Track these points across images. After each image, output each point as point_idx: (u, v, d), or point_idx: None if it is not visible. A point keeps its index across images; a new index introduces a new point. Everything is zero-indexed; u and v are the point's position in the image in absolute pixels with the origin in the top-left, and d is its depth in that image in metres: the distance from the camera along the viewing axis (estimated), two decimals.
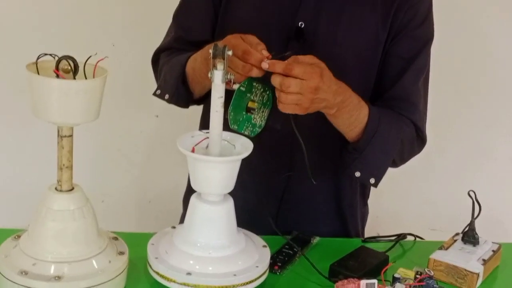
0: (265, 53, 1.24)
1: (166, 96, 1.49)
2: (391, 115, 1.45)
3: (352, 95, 1.36)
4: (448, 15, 2.23)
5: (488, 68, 2.41)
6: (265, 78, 1.25)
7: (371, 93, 1.50)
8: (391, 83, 1.48)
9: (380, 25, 1.45)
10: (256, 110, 1.29)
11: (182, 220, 1.65)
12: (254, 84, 1.26)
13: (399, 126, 1.46)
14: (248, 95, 1.27)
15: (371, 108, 1.40)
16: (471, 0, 2.36)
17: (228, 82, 1.18)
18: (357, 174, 1.43)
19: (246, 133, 1.28)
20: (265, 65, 1.22)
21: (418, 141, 1.53)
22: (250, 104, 1.28)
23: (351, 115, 1.37)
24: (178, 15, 1.59)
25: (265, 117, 1.30)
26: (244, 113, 1.28)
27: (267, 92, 1.29)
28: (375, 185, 1.44)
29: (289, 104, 1.24)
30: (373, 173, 1.43)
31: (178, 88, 1.47)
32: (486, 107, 2.45)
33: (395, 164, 1.53)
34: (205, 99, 1.52)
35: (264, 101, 1.30)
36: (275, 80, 1.23)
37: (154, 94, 1.54)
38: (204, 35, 1.51)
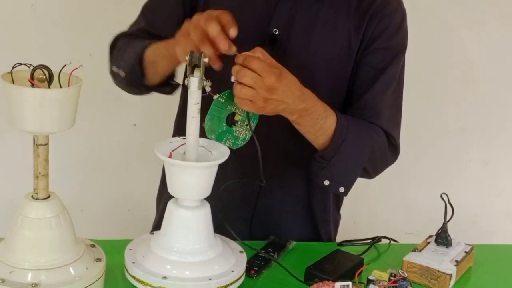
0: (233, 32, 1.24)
1: (122, 74, 1.48)
2: (360, 124, 1.45)
3: (317, 103, 1.35)
4: (421, 20, 2.27)
5: (461, 72, 2.45)
6: None
7: (343, 102, 1.50)
8: (361, 93, 1.48)
9: (353, 34, 1.46)
10: (240, 123, 1.29)
11: (155, 224, 1.67)
12: None
13: (369, 134, 1.45)
14: (229, 107, 1.27)
15: (339, 117, 1.39)
16: (443, 6, 2.39)
17: (212, 91, 1.19)
18: (326, 183, 1.42)
19: (226, 145, 1.27)
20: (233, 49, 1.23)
21: (391, 150, 1.52)
22: (236, 117, 1.29)
23: (315, 123, 1.35)
24: (147, 9, 1.58)
25: (251, 131, 1.30)
26: (224, 124, 1.28)
27: None
28: (345, 193, 1.44)
29: (243, 99, 1.23)
30: (342, 182, 1.43)
31: (135, 68, 1.45)
32: (460, 111, 2.49)
33: (369, 175, 1.53)
34: (154, 89, 1.51)
35: (250, 115, 1.30)
36: (234, 69, 1.22)
37: (111, 71, 1.53)
38: (168, 33, 1.49)
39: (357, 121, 1.44)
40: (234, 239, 1.33)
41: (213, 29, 1.21)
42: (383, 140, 1.49)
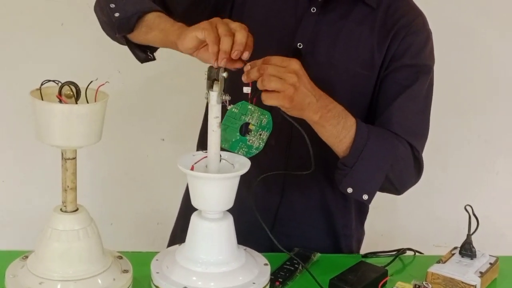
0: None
1: (116, 14, 1.44)
2: (381, 131, 1.45)
3: (334, 101, 1.35)
4: (446, 31, 2.27)
5: (488, 83, 2.44)
6: (261, 105, 1.28)
7: (364, 120, 1.48)
8: (384, 108, 1.48)
9: (376, 51, 1.47)
10: (253, 132, 1.32)
11: (173, 236, 1.70)
12: (249, 107, 1.29)
13: (392, 142, 1.45)
14: (243, 117, 1.30)
15: (358, 120, 1.40)
16: (469, 18, 2.39)
17: (224, 102, 1.22)
18: (349, 190, 1.42)
19: (240, 153, 1.30)
20: (247, 67, 1.24)
21: (415, 163, 1.50)
22: (250, 126, 1.31)
23: (337, 122, 1.35)
24: None
25: (264, 140, 1.32)
26: (237, 134, 1.30)
27: (266, 116, 1.31)
28: (368, 201, 1.44)
29: (271, 93, 1.23)
30: (365, 189, 1.42)
31: (131, 19, 1.42)
32: (486, 122, 2.47)
33: (396, 189, 1.51)
34: (129, 46, 1.50)
35: (263, 124, 1.31)
36: (253, 73, 1.23)
37: (107, 6, 1.47)
38: (176, 9, 1.50)
39: (377, 128, 1.44)
40: (260, 247, 1.34)
41: (242, 36, 1.23)
42: (407, 151, 1.48)
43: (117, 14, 1.44)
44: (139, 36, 1.44)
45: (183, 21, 1.37)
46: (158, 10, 1.44)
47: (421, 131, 1.52)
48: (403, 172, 1.49)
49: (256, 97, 1.27)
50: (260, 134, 1.32)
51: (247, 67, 1.25)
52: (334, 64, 1.48)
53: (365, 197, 1.43)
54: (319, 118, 1.33)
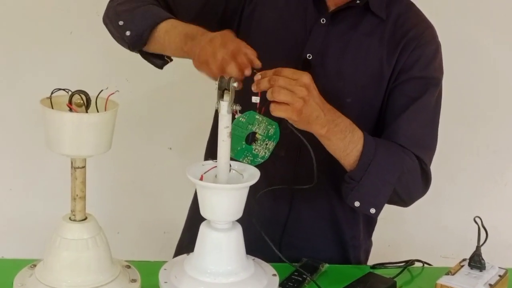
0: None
1: (127, 32, 1.45)
2: (388, 144, 1.44)
3: (342, 115, 1.35)
4: (454, 42, 2.27)
5: (497, 94, 2.44)
6: (269, 115, 1.29)
7: (372, 132, 1.49)
8: (392, 120, 1.48)
9: (386, 62, 1.47)
10: (259, 141, 1.32)
11: (179, 246, 1.70)
12: (257, 117, 1.29)
13: (399, 155, 1.44)
14: (250, 126, 1.30)
15: (365, 134, 1.40)
16: (479, 27, 2.39)
17: (234, 111, 1.22)
18: (357, 204, 1.41)
19: (245, 162, 1.31)
20: (257, 76, 1.25)
21: (422, 175, 1.50)
22: (256, 135, 1.32)
23: (344, 136, 1.35)
24: None
25: (270, 149, 1.32)
26: (243, 143, 1.31)
27: (273, 126, 1.31)
28: (376, 214, 1.43)
29: (280, 104, 1.23)
30: (373, 203, 1.42)
31: (144, 34, 1.43)
32: (495, 133, 2.47)
33: (403, 201, 1.50)
34: (145, 56, 1.52)
35: (270, 134, 1.32)
36: (264, 83, 1.23)
37: (111, 22, 1.51)
38: (186, 18, 1.48)
39: (384, 142, 1.44)
40: (268, 258, 1.34)
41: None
42: (415, 163, 1.47)
43: (128, 33, 1.45)
44: (153, 48, 1.46)
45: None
46: (167, 18, 1.44)
47: (429, 143, 1.52)
48: (410, 184, 1.48)
49: (264, 107, 1.28)
50: (267, 144, 1.32)
51: (257, 77, 1.25)
52: (343, 75, 1.48)
53: (373, 210, 1.42)
54: (326, 132, 1.32)
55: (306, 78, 1.25)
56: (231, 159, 1.26)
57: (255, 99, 1.26)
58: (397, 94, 1.49)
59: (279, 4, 1.52)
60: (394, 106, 1.49)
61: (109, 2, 1.56)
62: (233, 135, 1.27)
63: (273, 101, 1.24)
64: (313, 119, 1.29)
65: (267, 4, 1.52)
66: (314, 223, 1.57)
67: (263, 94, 1.25)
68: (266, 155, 1.33)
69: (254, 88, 1.25)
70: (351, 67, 1.48)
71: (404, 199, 1.49)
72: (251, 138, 1.30)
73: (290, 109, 1.24)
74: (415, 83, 1.48)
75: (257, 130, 1.30)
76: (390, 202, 1.47)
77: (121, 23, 1.46)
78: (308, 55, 1.48)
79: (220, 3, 1.53)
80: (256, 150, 1.31)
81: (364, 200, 1.41)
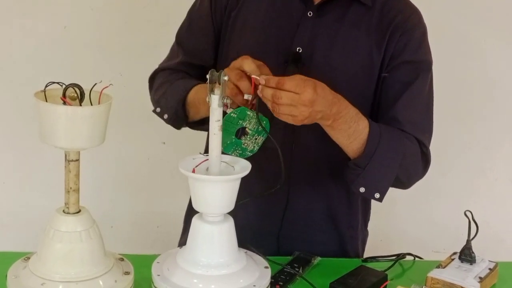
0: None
1: (165, 116, 1.55)
2: (392, 130, 1.47)
3: (349, 106, 1.37)
4: (446, 38, 2.28)
5: (488, 90, 2.45)
6: (261, 109, 1.30)
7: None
8: (388, 107, 1.50)
9: (375, 50, 1.49)
10: (249, 136, 1.33)
11: (181, 241, 1.69)
12: (248, 113, 1.30)
13: (401, 140, 1.47)
14: (241, 121, 1.30)
15: (371, 122, 1.42)
16: (470, 24, 2.40)
17: (225, 105, 1.23)
18: (362, 189, 1.44)
19: (233, 155, 1.32)
20: (262, 81, 1.26)
21: (422, 158, 1.53)
22: (246, 130, 1.33)
23: (349, 126, 1.38)
24: (183, 39, 1.64)
25: (259, 144, 1.33)
26: (233, 137, 1.31)
27: (263, 122, 1.32)
28: (380, 199, 1.46)
29: (284, 115, 1.27)
30: (377, 188, 1.44)
31: (178, 111, 1.52)
32: (486, 129, 2.48)
33: (403, 184, 1.53)
34: (197, 126, 1.57)
35: (260, 130, 1.33)
36: (267, 93, 1.26)
37: (154, 111, 1.58)
38: (209, 60, 1.56)
39: (388, 128, 1.46)
40: (266, 252, 1.35)
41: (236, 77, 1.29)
42: (416, 147, 1.50)
43: (166, 116, 1.55)
44: (195, 115, 1.53)
45: None
46: (192, 85, 1.51)
47: (427, 126, 1.55)
48: (411, 168, 1.51)
49: (255, 103, 1.29)
50: (256, 138, 1.33)
51: (262, 81, 1.26)
52: (333, 66, 1.49)
53: (377, 195, 1.45)
54: (331, 123, 1.36)
55: (309, 93, 1.26)
56: (222, 152, 1.27)
57: (247, 96, 1.28)
58: (390, 81, 1.51)
59: (263, 3, 1.54)
60: (389, 94, 1.51)
61: (149, 91, 1.66)
62: (224, 130, 1.28)
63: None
64: (317, 119, 1.32)
65: (252, 5, 1.54)
66: (311, 214, 1.59)
67: (254, 91, 1.27)
68: (255, 149, 1.34)
69: (258, 92, 1.27)
70: (341, 58, 1.49)
71: (404, 182, 1.52)
72: (241, 132, 1.31)
73: (292, 120, 1.28)
74: (406, 68, 1.50)
75: (247, 126, 1.31)
76: (391, 186, 1.50)
77: (158, 110, 1.57)
78: (298, 48, 1.49)
79: (213, 30, 1.58)
80: (245, 144, 1.32)
81: (369, 186, 1.44)
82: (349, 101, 1.41)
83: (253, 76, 1.28)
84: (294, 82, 1.26)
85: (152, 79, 1.66)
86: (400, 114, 1.49)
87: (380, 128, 1.43)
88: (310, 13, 1.50)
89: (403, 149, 1.46)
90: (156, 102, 1.59)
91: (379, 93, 1.53)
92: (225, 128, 1.28)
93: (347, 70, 1.49)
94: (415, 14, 1.53)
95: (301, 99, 1.25)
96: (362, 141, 1.41)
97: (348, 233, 1.63)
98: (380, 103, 1.53)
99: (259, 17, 1.53)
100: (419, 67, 1.51)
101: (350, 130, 1.38)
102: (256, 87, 1.28)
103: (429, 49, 1.55)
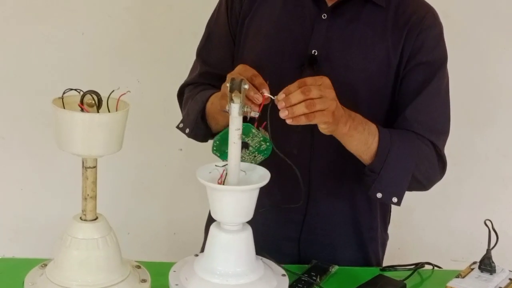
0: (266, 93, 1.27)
1: (187, 130, 1.56)
2: (403, 133, 1.47)
3: (351, 111, 1.37)
4: (465, 47, 2.27)
5: (507, 97, 2.43)
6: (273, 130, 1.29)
7: (384, 120, 1.52)
8: (404, 106, 1.50)
9: (392, 50, 1.49)
10: (249, 152, 1.31)
11: (202, 249, 1.69)
12: (253, 131, 1.28)
13: (414, 142, 1.47)
14: (243, 136, 1.27)
15: (378, 126, 1.42)
16: (484, 30, 2.38)
17: (245, 113, 1.22)
18: (379, 195, 1.43)
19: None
20: (282, 95, 1.24)
21: (438, 160, 1.52)
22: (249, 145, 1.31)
23: (363, 128, 1.38)
24: (202, 51, 1.65)
25: (257, 162, 1.31)
26: None
27: (266, 143, 1.30)
28: (398, 203, 1.45)
29: (318, 113, 1.24)
30: (394, 192, 1.44)
31: (198, 123, 1.53)
32: (504, 136, 2.46)
33: (423, 185, 1.52)
34: None
35: (261, 149, 1.31)
36: (296, 97, 1.22)
37: (177, 127, 1.59)
38: (228, 69, 1.56)
39: (398, 131, 1.47)
40: (286, 258, 1.34)
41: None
42: (430, 149, 1.50)
43: (187, 131, 1.56)
44: (216, 126, 1.52)
45: None
46: (209, 97, 1.51)
47: (442, 127, 1.54)
48: (428, 170, 1.50)
49: (263, 124, 1.28)
50: (255, 156, 1.32)
51: (281, 96, 1.24)
52: (350, 66, 1.49)
53: (395, 199, 1.44)
54: (348, 129, 1.35)
55: (327, 79, 1.27)
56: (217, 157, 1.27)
57: (254, 114, 1.25)
58: (407, 81, 1.50)
59: (276, 8, 1.54)
60: (405, 94, 1.51)
61: (180, 110, 1.67)
62: (224, 138, 1.27)
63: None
64: (339, 117, 1.31)
65: (265, 11, 1.55)
66: (332, 217, 1.58)
67: (262, 111, 1.26)
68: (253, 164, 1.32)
69: (282, 105, 1.24)
70: (358, 58, 1.49)
71: (423, 183, 1.52)
72: (242, 145, 1.29)
73: (326, 112, 1.26)
74: (423, 68, 1.50)
75: (249, 142, 1.30)
76: (410, 189, 1.49)
77: (181, 125, 1.58)
78: (313, 51, 1.49)
79: (230, 38, 1.59)
80: (243, 158, 1.30)
81: (386, 191, 1.43)
82: (367, 101, 1.42)
83: (264, 93, 1.26)
84: (311, 78, 1.26)
85: (180, 96, 1.68)
86: (414, 115, 1.49)
87: (390, 132, 1.43)
88: (324, 16, 1.50)
89: (417, 151, 1.46)
90: (182, 119, 1.61)
91: (396, 94, 1.52)
92: (225, 137, 1.26)
93: (364, 71, 1.49)
94: (431, 12, 1.52)
95: (325, 83, 1.26)
96: (376, 145, 1.41)
97: (369, 235, 1.63)
98: (397, 103, 1.53)
99: (273, 22, 1.54)
100: (436, 66, 1.51)
101: (365, 133, 1.38)
102: (262, 105, 1.26)
103: (445, 47, 1.54)
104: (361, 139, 1.39)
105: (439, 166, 1.53)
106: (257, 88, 1.27)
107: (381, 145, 1.41)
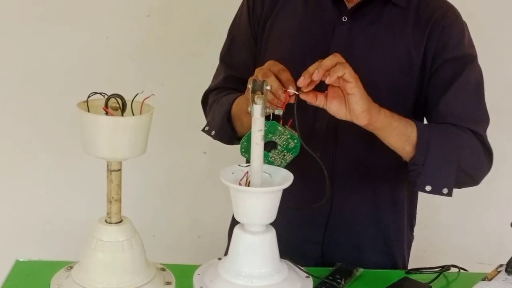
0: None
1: (213, 132, 1.56)
2: (437, 124, 1.46)
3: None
4: (493, 42, 2.25)
5: None
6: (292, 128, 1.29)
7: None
8: (436, 104, 1.48)
9: (414, 50, 1.48)
10: (278, 151, 1.31)
11: (226, 252, 1.69)
12: (279, 128, 1.29)
13: (453, 131, 1.44)
14: (270, 135, 1.28)
15: (414, 120, 1.41)
16: (503, 32, 2.36)
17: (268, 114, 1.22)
18: (428, 188, 1.41)
19: None
20: (301, 79, 1.25)
21: (484, 148, 1.49)
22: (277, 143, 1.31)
23: (399, 117, 1.36)
24: (225, 56, 1.66)
25: (287, 161, 1.31)
26: None
27: (294, 141, 1.30)
28: (449, 194, 1.41)
29: (344, 82, 1.25)
30: (443, 183, 1.41)
31: (223, 125, 1.53)
32: None
33: (472, 179, 1.49)
34: None
35: (289, 147, 1.31)
36: (318, 72, 1.23)
37: (203, 130, 1.60)
38: (251, 73, 1.56)
39: (433, 123, 1.46)
40: (310, 260, 1.34)
41: (273, 83, 1.26)
42: (472, 137, 1.47)
43: (213, 133, 1.56)
44: (242, 128, 1.52)
45: None
46: (234, 99, 1.51)
47: (478, 116, 1.51)
48: (473, 158, 1.47)
49: (291, 122, 1.28)
50: (284, 155, 1.32)
51: (301, 79, 1.25)
52: (372, 68, 1.48)
53: (445, 191, 1.41)
54: (384, 116, 1.33)
55: (338, 55, 1.27)
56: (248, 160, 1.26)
57: (278, 112, 1.25)
58: (435, 79, 1.49)
59: (297, 11, 1.54)
60: (435, 92, 1.49)
61: (205, 115, 1.69)
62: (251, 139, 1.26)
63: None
64: (368, 97, 1.29)
65: (286, 14, 1.55)
66: (356, 219, 1.57)
67: (286, 108, 1.25)
68: (282, 165, 1.32)
69: (303, 83, 1.25)
70: (379, 59, 1.49)
71: (472, 175, 1.48)
72: (271, 145, 1.29)
73: (348, 71, 1.25)
74: (450, 65, 1.48)
75: (277, 140, 1.30)
76: (460, 184, 1.46)
77: (207, 128, 1.59)
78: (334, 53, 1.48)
79: (253, 41, 1.60)
80: (273, 158, 1.31)
81: (434, 183, 1.40)
82: (389, 102, 1.40)
83: (288, 90, 1.26)
84: (324, 59, 1.25)
85: (204, 102, 1.68)
86: (447, 109, 1.47)
87: (426, 124, 1.42)
88: (344, 18, 1.50)
89: (458, 138, 1.44)
90: (207, 122, 1.62)
91: (423, 94, 1.51)
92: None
93: (386, 72, 1.49)
94: (452, 10, 1.51)
95: (337, 57, 1.26)
96: (416, 136, 1.38)
97: (395, 236, 1.61)
98: (427, 102, 1.51)
99: (294, 24, 1.54)
100: (463, 61, 1.49)
101: (403, 121, 1.37)
102: (286, 102, 1.26)
103: (471, 43, 1.52)
104: (401, 129, 1.37)
105: (485, 154, 1.50)
106: (283, 84, 1.27)
107: (420, 135, 1.38)
